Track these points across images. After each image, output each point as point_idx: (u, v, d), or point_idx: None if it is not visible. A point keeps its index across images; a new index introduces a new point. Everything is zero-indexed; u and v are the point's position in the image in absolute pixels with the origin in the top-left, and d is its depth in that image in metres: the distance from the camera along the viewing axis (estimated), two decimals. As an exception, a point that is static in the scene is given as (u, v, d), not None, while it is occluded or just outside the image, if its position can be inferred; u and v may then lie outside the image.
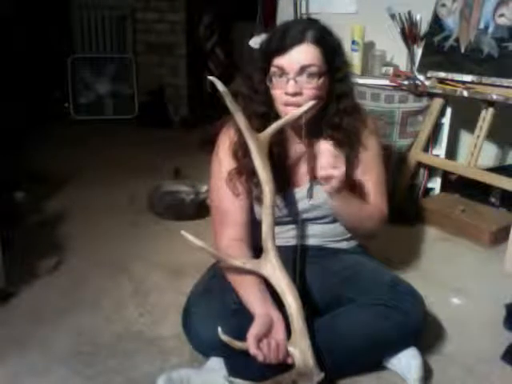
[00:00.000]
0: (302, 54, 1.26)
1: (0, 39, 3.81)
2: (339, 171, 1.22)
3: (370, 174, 1.44)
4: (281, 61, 1.27)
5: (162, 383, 1.22)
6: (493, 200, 2.48)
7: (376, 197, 1.44)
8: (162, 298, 1.74)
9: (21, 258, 1.92)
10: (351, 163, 1.40)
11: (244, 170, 1.36)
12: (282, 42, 1.26)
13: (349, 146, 1.38)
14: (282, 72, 1.27)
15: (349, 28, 2.54)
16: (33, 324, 1.57)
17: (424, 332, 1.40)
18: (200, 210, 2.38)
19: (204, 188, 2.43)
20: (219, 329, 1.16)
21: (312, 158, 1.31)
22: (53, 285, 1.81)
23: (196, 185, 2.51)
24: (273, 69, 1.28)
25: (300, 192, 1.43)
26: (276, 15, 2.97)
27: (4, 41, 3.85)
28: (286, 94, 1.27)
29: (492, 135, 2.45)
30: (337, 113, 1.35)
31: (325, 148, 1.24)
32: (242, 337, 1.16)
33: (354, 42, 2.53)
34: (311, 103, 1.26)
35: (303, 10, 2.76)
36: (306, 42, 1.26)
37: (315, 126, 1.35)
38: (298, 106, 1.27)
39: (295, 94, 1.26)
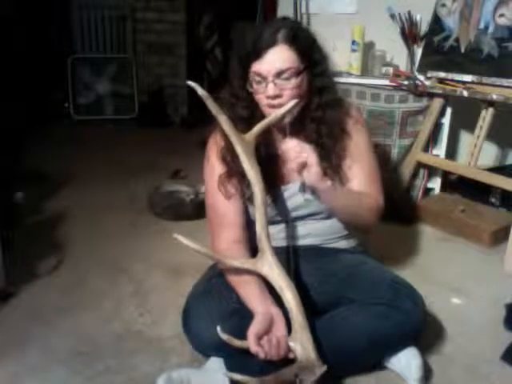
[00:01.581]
0: (277, 57, 1.26)
1: (0, 39, 3.81)
2: (308, 155, 1.22)
3: (361, 164, 1.43)
4: (257, 66, 1.27)
5: (162, 383, 1.22)
6: (493, 200, 2.48)
7: (370, 187, 1.44)
8: (161, 298, 1.74)
9: (21, 258, 1.92)
10: (339, 155, 1.40)
11: (234, 172, 1.37)
12: (255, 46, 1.27)
13: (334, 138, 1.39)
14: (260, 77, 1.28)
15: (349, 28, 2.54)
16: (33, 324, 1.57)
17: (424, 332, 1.40)
18: (200, 210, 2.37)
19: (203, 188, 2.43)
20: (218, 327, 1.16)
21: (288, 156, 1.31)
22: (53, 285, 1.81)
23: (196, 185, 2.51)
24: (251, 75, 1.29)
25: (290, 189, 1.43)
26: (276, 15, 2.97)
27: (4, 41, 3.85)
28: (267, 97, 1.28)
29: (492, 135, 2.45)
30: (319, 107, 1.36)
31: (290, 145, 1.26)
32: (242, 336, 1.16)
33: (354, 42, 2.53)
34: (293, 102, 1.27)
35: (303, 10, 2.76)
36: (278, 43, 1.26)
37: (299, 122, 1.36)
38: (282, 106, 1.28)
39: (276, 97, 1.27)
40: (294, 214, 1.45)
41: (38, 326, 1.57)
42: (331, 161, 1.39)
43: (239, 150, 1.24)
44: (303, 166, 1.23)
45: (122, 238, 2.20)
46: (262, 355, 1.14)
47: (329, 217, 1.47)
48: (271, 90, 1.26)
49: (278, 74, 1.26)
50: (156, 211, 2.46)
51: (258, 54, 1.26)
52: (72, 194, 2.68)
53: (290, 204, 1.44)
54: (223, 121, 1.22)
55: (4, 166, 2.71)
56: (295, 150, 1.24)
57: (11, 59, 3.86)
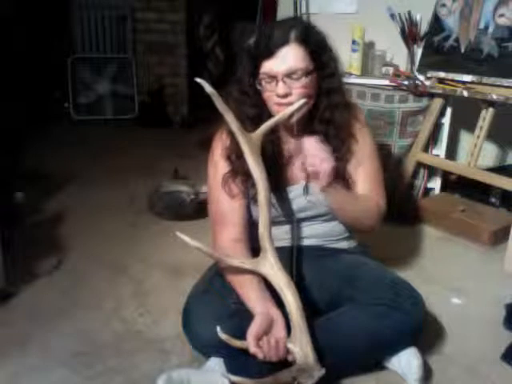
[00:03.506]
0: (288, 56, 1.26)
1: (0, 39, 3.81)
2: (327, 165, 1.22)
3: (364, 167, 1.43)
4: (268, 65, 1.27)
5: (162, 383, 1.22)
6: (493, 200, 2.48)
7: (372, 190, 1.44)
8: (161, 298, 1.74)
9: (21, 257, 1.92)
10: (344, 158, 1.40)
11: (238, 171, 1.37)
12: (267, 45, 1.27)
13: (341, 140, 1.39)
14: (271, 76, 1.27)
15: (349, 28, 2.54)
16: (33, 324, 1.57)
17: (424, 332, 1.39)
18: (200, 210, 2.37)
19: (204, 188, 2.43)
20: (218, 328, 1.17)
21: (302, 155, 1.31)
22: (53, 285, 1.81)
23: (196, 185, 2.51)
24: (261, 73, 1.29)
25: (295, 190, 1.43)
26: (276, 15, 2.97)
27: (4, 41, 3.85)
28: (277, 95, 1.28)
29: (492, 135, 2.45)
30: (327, 108, 1.36)
31: (310, 144, 1.25)
32: (241, 336, 1.16)
33: (354, 42, 2.53)
34: (301, 101, 1.27)
35: (303, 10, 2.76)
36: (290, 42, 1.26)
37: (307, 122, 1.36)
38: (290, 105, 1.28)
39: (285, 95, 1.27)
40: (298, 216, 1.45)
41: (38, 326, 1.57)
42: (336, 163, 1.38)
43: (245, 148, 1.24)
44: (316, 174, 1.23)
45: (122, 238, 2.20)
46: (260, 356, 1.14)
47: (332, 219, 1.47)
48: (281, 88, 1.26)
49: (289, 74, 1.26)
50: (156, 211, 2.46)
51: (269, 52, 1.26)
52: (72, 194, 2.68)
53: (294, 205, 1.44)
54: (230, 119, 1.22)
55: (4, 166, 2.71)
56: (313, 155, 1.23)
57: (11, 59, 3.86)
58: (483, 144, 2.30)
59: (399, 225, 2.32)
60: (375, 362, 1.38)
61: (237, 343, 1.17)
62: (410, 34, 2.46)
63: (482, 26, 2.21)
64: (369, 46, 2.63)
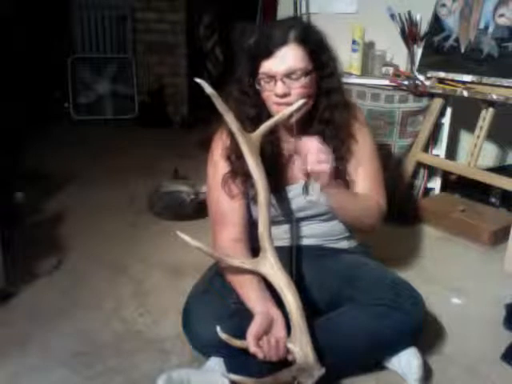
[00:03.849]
0: (287, 56, 1.26)
1: (0, 39, 3.81)
2: (327, 165, 1.21)
3: (365, 167, 1.44)
4: (267, 65, 1.27)
5: (162, 383, 1.22)
6: (493, 200, 2.48)
7: (372, 189, 1.44)
8: (161, 298, 1.74)
9: (21, 257, 1.92)
10: (344, 158, 1.40)
11: (238, 171, 1.37)
12: (266, 45, 1.27)
13: (340, 140, 1.39)
14: (270, 76, 1.27)
15: (349, 28, 2.54)
16: (33, 324, 1.58)
17: (424, 332, 1.39)
18: (200, 210, 2.38)
19: (204, 188, 2.43)
20: (218, 328, 1.17)
21: (303, 155, 1.30)
22: (53, 285, 1.81)
23: (196, 185, 2.51)
24: (260, 73, 1.29)
25: (294, 190, 1.43)
26: (276, 15, 2.97)
27: (4, 41, 3.85)
28: (276, 95, 1.28)
29: (492, 135, 2.45)
30: (327, 108, 1.36)
31: (312, 144, 1.24)
32: (242, 336, 1.16)
33: (354, 42, 2.53)
34: (301, 102, 1.27)
35: (303, 10, 2.76)
36: (289, 42, 1.26)
37: (306, 122, 1.36)
38: (289, 105, 1.28)
39: (284, 95, 1.27)
40: (297, 215, 1.45)
41: (38, 326, 1.57)
42: (336, 163, 1.38)
43: (245, 149, 1.24)
44: (317, 174, 1.21)
45: (122, 238, 2.20)
46: (260, 356, 1.14)
47: (331, 218, 1.47)
48: (280, 88, 1.26)
49: (288, 74, 1.26)
50: (156, 211, 2.46)
51: (268, 52, 1.26)
52: (72, 194, 2.69)
53: (293, 205, 1.44)
54: (230, 119, 1.22)
55: (4, 166, 2.71)
56: (315, 156, 1.21)
57: (11, 59, 3.86)
58: (483, 144, 2.30)
59: (399, 225, 2.32)
60: (375, 362, 1.38)
61: (237, 343, 1.17)
62: (410, 34, 2.46)
63: (481, 26, 2.21)
64: (369, 46, 2.63)
